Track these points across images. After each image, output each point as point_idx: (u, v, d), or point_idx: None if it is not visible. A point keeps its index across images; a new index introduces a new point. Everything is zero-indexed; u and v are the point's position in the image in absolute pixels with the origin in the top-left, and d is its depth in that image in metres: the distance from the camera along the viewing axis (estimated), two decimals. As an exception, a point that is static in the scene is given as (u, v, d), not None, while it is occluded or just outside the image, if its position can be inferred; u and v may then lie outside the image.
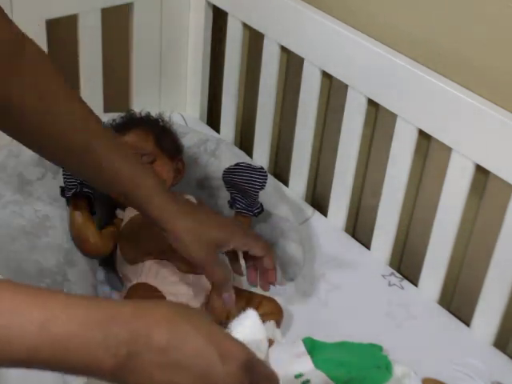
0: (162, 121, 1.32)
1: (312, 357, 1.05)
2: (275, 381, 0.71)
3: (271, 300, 1.15)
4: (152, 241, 1.12)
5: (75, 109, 0.96)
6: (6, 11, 1.29)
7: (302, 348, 1.06)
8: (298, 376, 1.02)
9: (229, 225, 1.05)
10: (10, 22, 0.92)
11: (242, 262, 1.08)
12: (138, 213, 1.10)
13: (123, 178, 0.98)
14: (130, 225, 1.18)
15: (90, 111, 0.98)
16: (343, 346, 1.09)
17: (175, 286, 1.12)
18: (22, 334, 0.64)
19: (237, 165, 1.18)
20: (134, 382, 0.66)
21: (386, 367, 1.05)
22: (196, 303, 1.11)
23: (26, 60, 0.92)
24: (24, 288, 0.66)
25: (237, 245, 1.04)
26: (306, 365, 1.04)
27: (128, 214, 1.19)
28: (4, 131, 0.96)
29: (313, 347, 1.07)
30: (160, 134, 1.26)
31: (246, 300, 1.12)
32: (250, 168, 1.18)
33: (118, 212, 1.22)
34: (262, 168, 1.17)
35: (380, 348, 1.09)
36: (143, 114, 1.32)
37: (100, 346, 0.65)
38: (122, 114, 1.32)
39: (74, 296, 0.68)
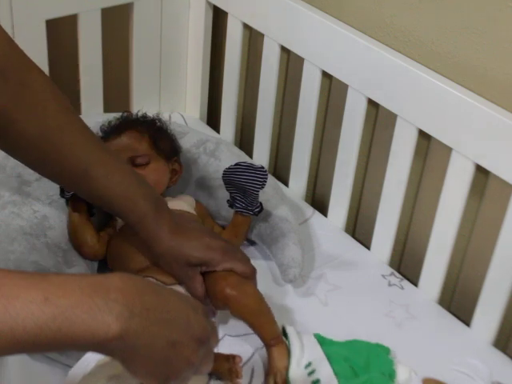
0: (159, 121, 1.31)
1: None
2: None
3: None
4: (136, 256, 1.12)
5: (77, 136, 1.00)
6: (5, 11, 1.31)
7: (313, 339, 1.07)
8: (306, 366, 1.02)
9: (213, 247, 1.07)
10: (16, 47, 0.94)
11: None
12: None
13: (118, 201, 1.04)
14: (116, 242, 1.17)
15: (91, 136, 1.03)
16: (352, 344, 1.10)
17: None
18: (26, 315, 0.65)
19: (237, 164, 1.18)
20: (140, 341, 0.71)
21: (389, 375, 1.05)
22: None
23: (32, 88, 0.94)
24: (13, 273, 0.68)
25: (219, 266, 1.07)
26: (315, 353, 1.04)
27: (121, 222, 1.18)
28: (3, 150, 1.00)
29: (323, 343, 1.08)
30: (156, 135, 1.26)
31: None
32: (250, 167, 1.17)
33: None
34: (262, 167, 1.17)
35: (387, 351, 1.09)
36: (139, 114, 1.31)
37: (104, 311, 0.68)
38: (118, 115, 1.31)
39: (61, 274, 0.73)
